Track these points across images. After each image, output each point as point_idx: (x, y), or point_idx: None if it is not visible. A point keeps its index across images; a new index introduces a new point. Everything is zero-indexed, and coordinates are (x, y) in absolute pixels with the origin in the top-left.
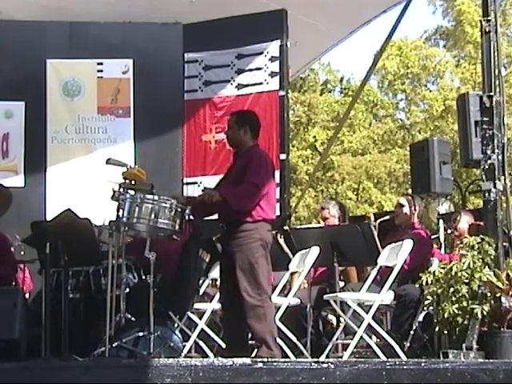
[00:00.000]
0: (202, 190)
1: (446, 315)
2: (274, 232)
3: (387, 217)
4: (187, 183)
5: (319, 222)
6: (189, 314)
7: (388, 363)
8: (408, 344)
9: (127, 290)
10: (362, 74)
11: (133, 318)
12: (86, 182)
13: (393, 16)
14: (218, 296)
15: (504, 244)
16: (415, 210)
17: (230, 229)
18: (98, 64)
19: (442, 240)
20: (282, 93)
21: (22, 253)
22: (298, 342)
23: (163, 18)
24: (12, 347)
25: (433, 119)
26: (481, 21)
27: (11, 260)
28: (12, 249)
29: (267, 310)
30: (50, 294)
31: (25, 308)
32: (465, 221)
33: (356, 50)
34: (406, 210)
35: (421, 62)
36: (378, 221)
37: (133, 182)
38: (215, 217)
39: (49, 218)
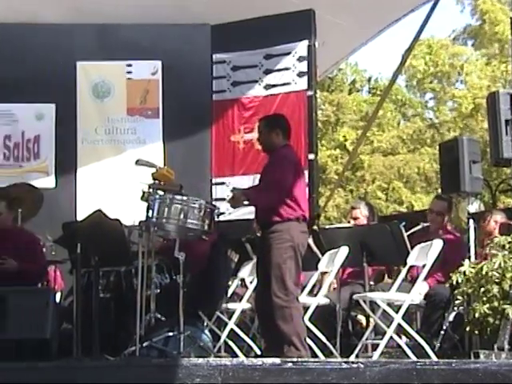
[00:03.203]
0: (231, 191)
1: (476, 315)
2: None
3: (419, 226)
4: (216, 183)
5: (348, 222)
6: (218, 313)
7: (418, 363)
8: (438, 344)
9: (157, 290)
10: (389, 74)
11: (163, 318)
12: (115, 183)
13: (420, 15)
14: (247, 296)
15: None
16: (450, 213)
17: (264, 230)
18: (128, 66)
19: (471, 239)
20: (310, 93)
21: (54, 253)
22: (327, 342)
23: (191, 20)
24: (43, 347)
25: (462, 118)
26: (511, 18)
27: (42, 260)
28: (43, 249)
29: (294, 311)
30: (81, 293)
31: (56, 308)
32: (494, 220)
33: (383, 50)
34: (443, 217)
35: (448, 60)
36: (409, 232)
37: (162, 183)
38: (246, 217)
39: (79, 218)
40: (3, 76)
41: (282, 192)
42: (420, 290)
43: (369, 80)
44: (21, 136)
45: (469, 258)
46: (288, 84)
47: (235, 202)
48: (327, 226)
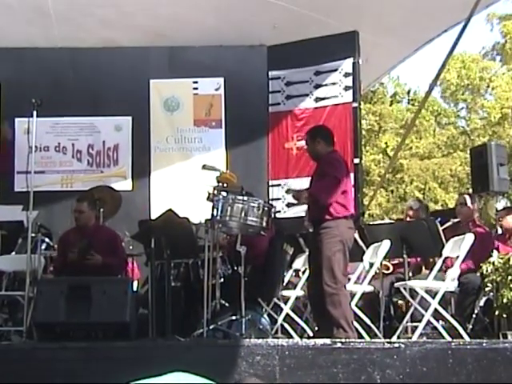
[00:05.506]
0: (286, 192)
1: (504, 301)
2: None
3: (449, 223)
4: (272, 185)
5: (390, 219)
6: (275, 300)
7: (453, 343)
8: (471, 326)
9: (222, 279)
10: (427, 86)
11: (227, 304)
12: (184, 186)
13: (453, 34)
14: (300, 284)
15: None
16: (475, 206)
17: (316, 226)
18: (194, 82)
19: (499, 233)
20: (355, 104)
21: (131, 247)
22: (372, 325)
23: (250, 41)
24: (124, 329)
25: (491, 125)
26: None
27: (121, 253)
28: (122, 244)
29: (342, 298)
30: (155, 282)
31: (134, 295)
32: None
33: (422, 65)
34: (468, 207)
35: (478, 74)
36: (442, 228)
37: (225, 185)
38: (299, 215)
39: (153, 217)
40: (87, 93)
41: (339, 187)
42: (452, 275)
43: (408, 92)
44: (102, 145)
45: (497, 249)
46: (335, 97)
47: (298, 197)
48: (371, 222)
